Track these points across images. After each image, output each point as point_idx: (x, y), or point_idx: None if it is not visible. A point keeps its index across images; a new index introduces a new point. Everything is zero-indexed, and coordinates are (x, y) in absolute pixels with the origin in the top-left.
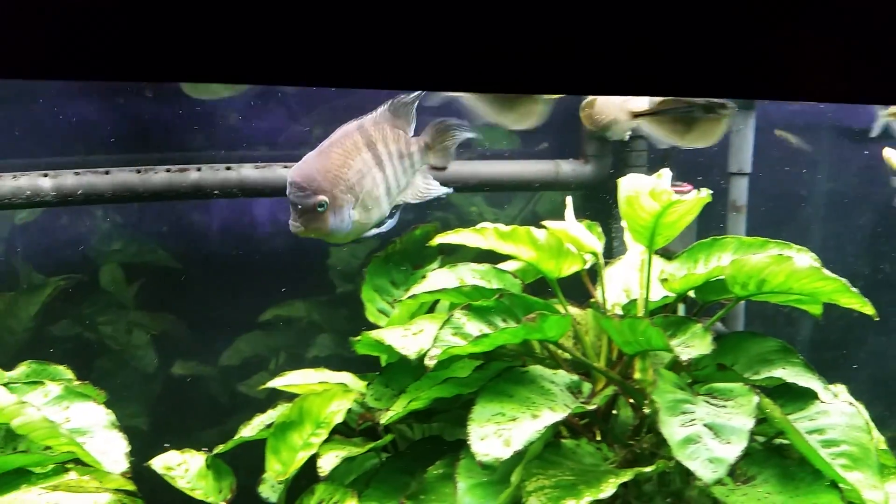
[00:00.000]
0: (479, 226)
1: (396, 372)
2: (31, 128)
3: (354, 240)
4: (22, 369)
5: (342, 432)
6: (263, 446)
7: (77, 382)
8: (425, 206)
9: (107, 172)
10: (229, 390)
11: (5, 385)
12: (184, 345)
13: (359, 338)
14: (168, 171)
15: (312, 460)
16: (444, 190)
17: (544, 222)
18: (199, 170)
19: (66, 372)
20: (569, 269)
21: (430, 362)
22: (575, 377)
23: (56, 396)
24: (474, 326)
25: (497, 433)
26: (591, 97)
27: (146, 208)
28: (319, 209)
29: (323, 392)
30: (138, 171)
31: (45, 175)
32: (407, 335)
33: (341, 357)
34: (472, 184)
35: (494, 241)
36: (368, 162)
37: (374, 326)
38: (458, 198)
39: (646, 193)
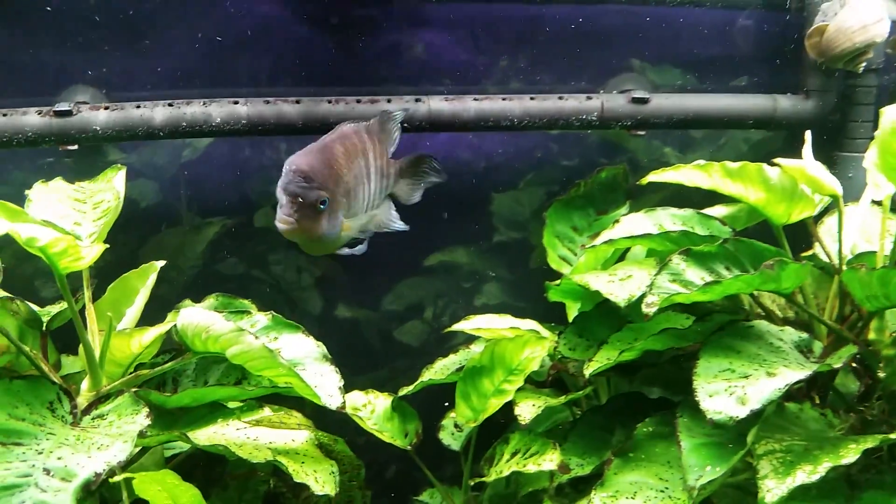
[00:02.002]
0: (697, 162)
1: (591, 321)
2: (220, 56)
3: (326, 254)
4: (210, 301)
5: (528, 380)
6: (436, 391)
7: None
8: (611, 148)
9: (297, 101)
10: (391, 334)
11: None
12: (346, 288)
13: (558, 282)
14: (358, 101)
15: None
16: (402, 226)
17: (776, 160)
18: (388, 101)
19: (251, 306)
20: (799, 214)
21: (648, 310)
22: (804, 335)
23: (264, 326)
24: (695, 273)
25: (728, 390)
26: (819, 23)
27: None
28: (321, 206)
29: (515, 338)
30: (329, 102)
31: (236, 102)
32: (614, 280)
33: (510, 306)
34: (676, 120)
35: (719, 180)
36: (362, 170)
37: (551, 274)
38: (639, 141)
39: None
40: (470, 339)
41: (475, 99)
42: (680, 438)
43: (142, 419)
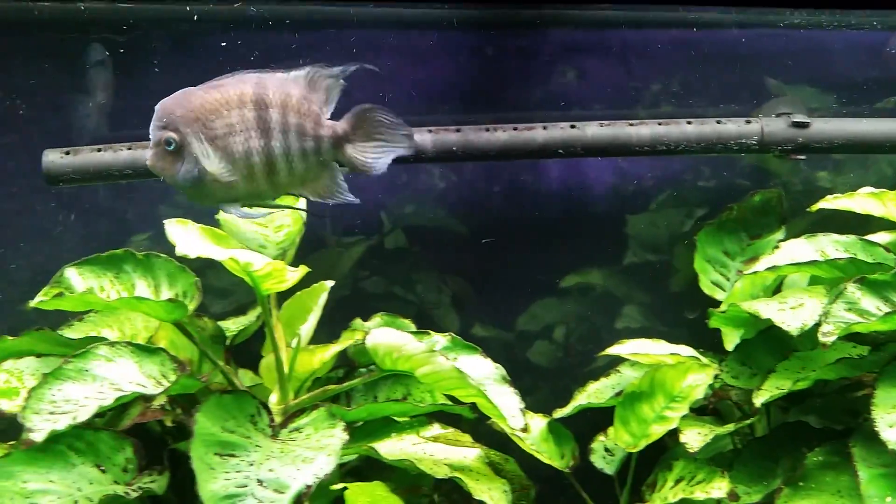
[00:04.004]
0: (871, 190)
1: (755, 349)
2: (378, 85)
3: (222, 205)
4: (377, 320)
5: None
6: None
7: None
8: (766, 173)
9: (458, 130)
10: (524, 354)
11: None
12: (481, 308)
13: (723, 309)
14: (515, 129)
15: None
16: (350, 199)
17: None
18: (544, 128)
19: (411, 325)
20: None
21: (825, 339)
22: None
23: (444, 347)
24: (870, 302)
25: None
26: None
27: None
28: (168, 147)
29: (677, 364)
30: (487, 130)
31: None
32: (784, 308)
33: (652, 330)
34: (837, 144)
35: (895, 208)
36: (248, 122)
37: (693, 298)
38: (783, 163)
39: None
40: (613, 362)
41: (631, 125)
42: (857, 468)
43: (339, 433)
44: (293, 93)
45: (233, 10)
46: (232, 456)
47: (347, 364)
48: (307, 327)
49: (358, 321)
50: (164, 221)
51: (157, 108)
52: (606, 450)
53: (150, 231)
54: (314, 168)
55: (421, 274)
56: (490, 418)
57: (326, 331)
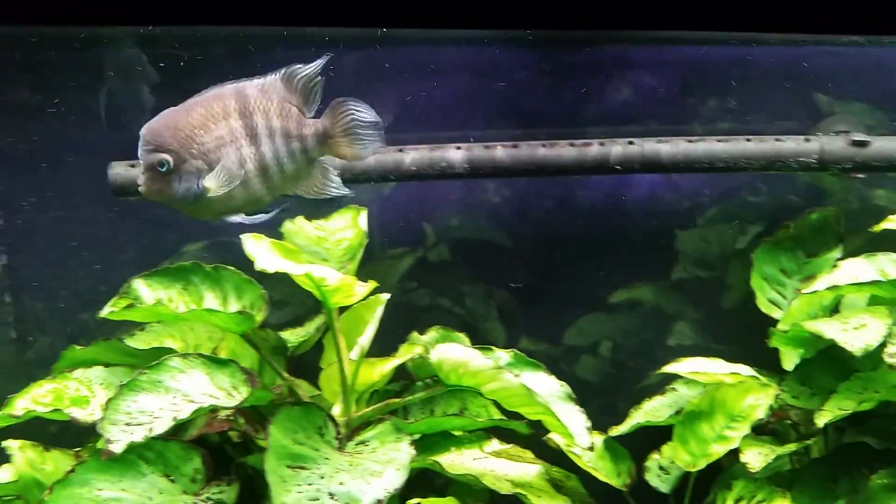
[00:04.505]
0: None
1: (814, 369)
2: (441, 103)
3: (220, 218)
4: (432, 334)
5: None
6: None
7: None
8: (819, 190)
9: (515, 146)
10: (571, 369)
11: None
12: (529, 321)
13: (785, 328)
14: (572, 144)
15: None
16: (344, 191)
17: None
18: (601, 144)
19: (466, 339)
20: None
21: (892, 360)
22: None
23: (507, 363)
24: None
25: None
26: None
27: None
28: (160, 168)
29: (737, 384)
30: (543, 146)
31: (458, 148)
32: (847, 329)
33: (705, 348)
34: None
35: None
36: (237, 132)
37: (747, 316)
38: (837, 181)
39: None
40: (664, 379)
41: (689, 141)
42: None
43: (406, 447)
44: (273, 97)
45: (299, 31)
46: (303, 468)
47: (402, 376)
48: (365, 339)
49: (415, 334)
50: (241, 236)
51: (143, 131)
52: (661, 468)
53: (203, 240)
54: (304, 167)
55: (468, 287)
56: (546, 434)
57: (375, 342)
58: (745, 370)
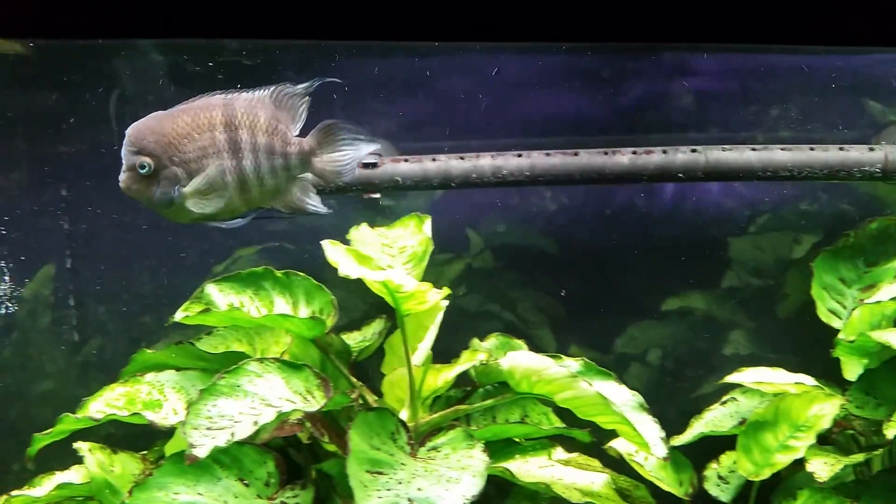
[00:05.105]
0: None
1: (879, 379)
2: (507, 113)
3: (197, 222)
4: (492, 340)
5: None
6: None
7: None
8: (876, 199)
9: (576, 154)
10: (620, 377)
11: None
12: (579, 328)
13: (851, 338)
14: (634, 153)
15: None
16: (321, 209)
17: None
18: (664, 152)
19: (524, 346)
20: None
21: None
22: None
23: (577, 372)
24: None
25: None
26: None
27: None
28: (141, 170)
29: (802, 394)
30: (605, 153)
31: (520, 155)
32: None
33: (761, 357)
34: None
35: None
36: (220, 144)
37: (809, 325)
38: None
39: None
40: (721, 389)
41: (753, 149)
42: None
43: (480, 454)
44: (260, 113)
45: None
46: (381, 473)
47: (460, 382)
48: (425, 345)
49: (476, 341)
50: (321, 243)
51: (128, 132)
52: (720, 477)
53: (257, 245)
54: (284, 183)
55: (517, 293)
56: (608, 442)
57: None
58: (808, 380)
